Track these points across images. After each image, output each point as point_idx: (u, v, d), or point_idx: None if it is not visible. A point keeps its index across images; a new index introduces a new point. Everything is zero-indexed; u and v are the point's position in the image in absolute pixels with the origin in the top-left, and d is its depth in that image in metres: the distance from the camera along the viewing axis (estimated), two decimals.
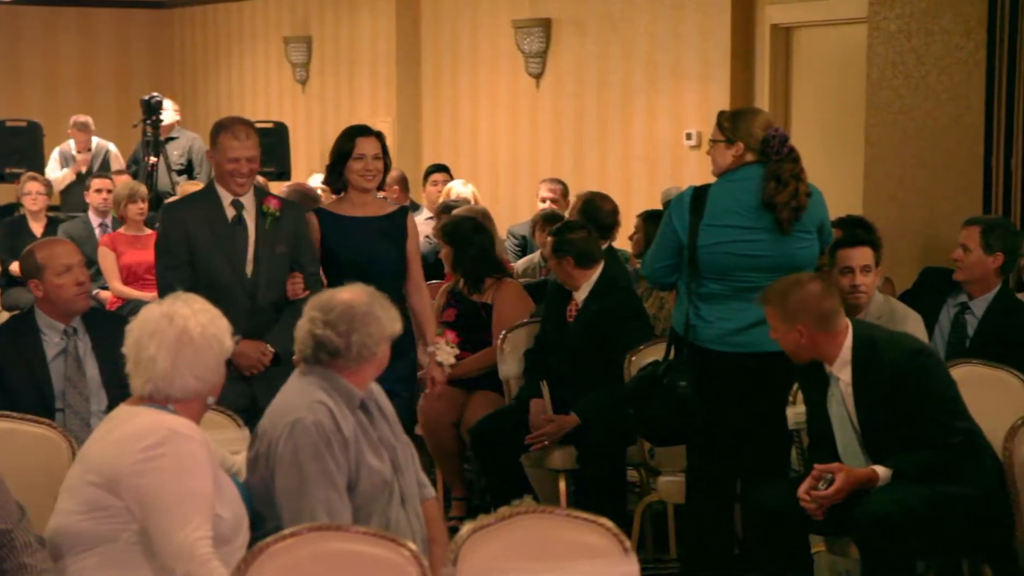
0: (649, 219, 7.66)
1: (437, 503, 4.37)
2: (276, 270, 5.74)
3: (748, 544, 5.57)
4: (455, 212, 8.12)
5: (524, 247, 9.27)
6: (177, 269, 5.67)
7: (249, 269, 5.71)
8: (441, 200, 9.60)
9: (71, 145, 12.19)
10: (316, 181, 10.49)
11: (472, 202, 9.22)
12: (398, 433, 4.31)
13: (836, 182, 8.19)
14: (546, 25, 11.52)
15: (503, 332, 6.88)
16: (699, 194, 5.45)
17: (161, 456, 3.69)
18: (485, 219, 7.66)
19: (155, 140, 11.45)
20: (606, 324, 6.44)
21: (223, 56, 15.97)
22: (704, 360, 5.42)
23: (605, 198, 7.89)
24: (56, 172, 11.99)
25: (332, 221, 6.03)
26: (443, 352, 6.11)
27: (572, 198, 8.90)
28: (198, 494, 3.68)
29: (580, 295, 6.63)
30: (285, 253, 5.75)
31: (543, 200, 9.38)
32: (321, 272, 6.00)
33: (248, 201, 5.78)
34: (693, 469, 5.63)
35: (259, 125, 13.17)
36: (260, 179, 10.66)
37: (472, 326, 7.07)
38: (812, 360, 5.05)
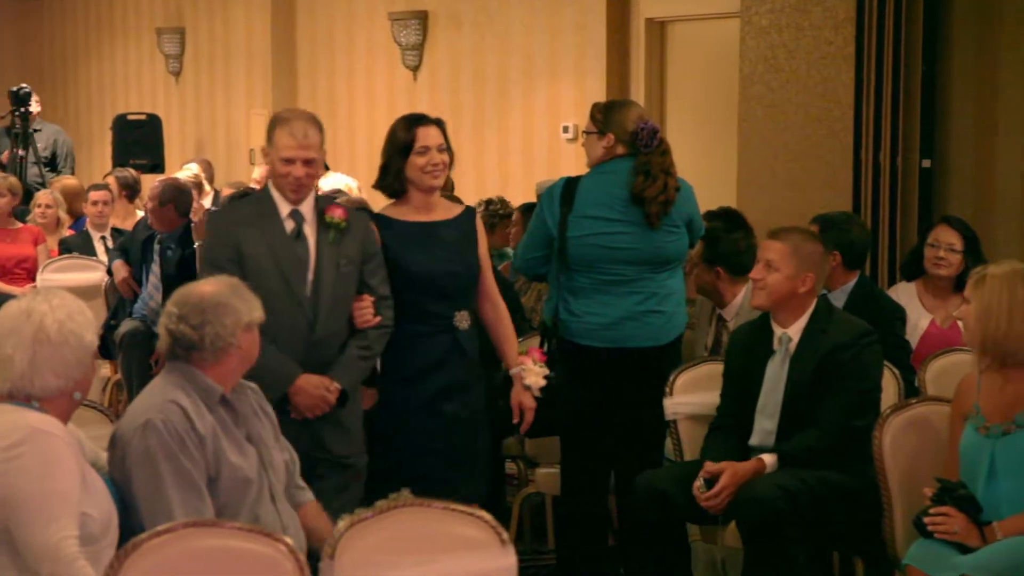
0: (527, 212, 7.66)
1: (317, 503, 4.32)
2: (341, 292, 4.85)
3: (624, 533, 5.62)
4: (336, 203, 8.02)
5: None
6: None
7: (309, 292, 4.81)
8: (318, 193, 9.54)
9: None
10: (189, 172, 10.39)
11: (347, 194, 9.16)
12: (277, 436, 4.24)
13: (710, 174, 8.29)
14: (422, 18, 11.50)
15: None
16: (570, 185, 5.49)
17: (22, 455, 3.61)
18: (363, 205, 7.59)
19: (24, 132, 11.23)
20: None
21: (94, 46, 15.70)
22: (575, 354, 5.45)
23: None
24: None
25: (396, 229, 5.06)
26: (531, 374, 5.18)
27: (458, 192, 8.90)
28: (62, 493, 3.60)
29: None
30: (351, 272, 4.87)
31: None
32: None
33: (308, 210, 4.87)
34: (568, 461, 5.67)
35: (131, 117, 13.18)
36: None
37: None
38: (763, 319, 5.17)
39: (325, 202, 4.94)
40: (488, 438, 5.28)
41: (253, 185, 10.18)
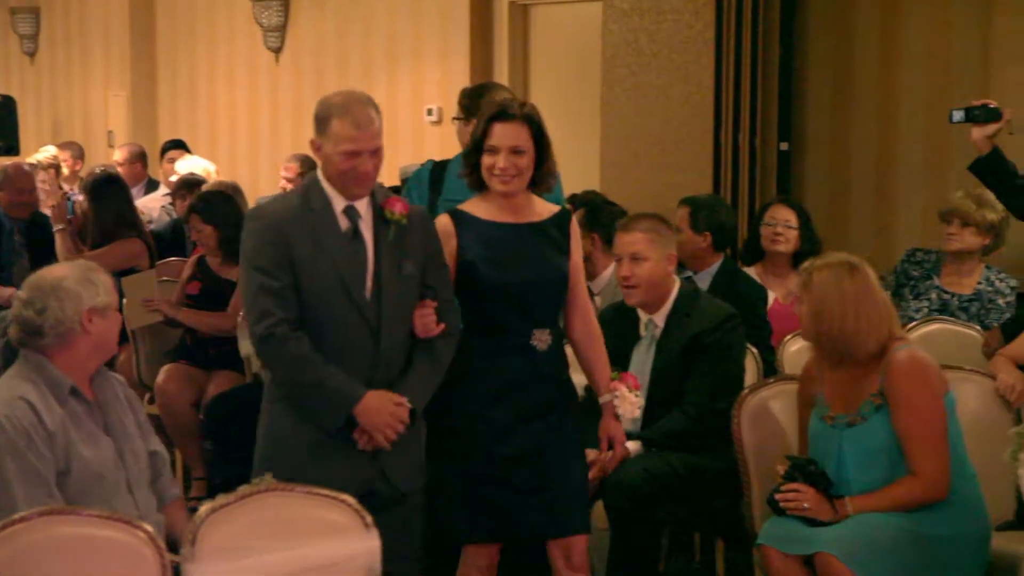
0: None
1: (183, 502, 4.27)
2: (404, 298, 4.21)
3: None
4: (205, 188, 7.92)
5: None
6: (278, 294, 4.09)
7: (369, 297, 4.17)
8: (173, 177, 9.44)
9: None
10: (46, 155, 10.19)
11: (206, 179, 9.06)
12: (145, 432, 4.18)
13: (574, 158, 8.33)
14: None
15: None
16: (438, 169, 5.48)
17: None
18: (236, 194, 7.53)
19: None
20: None
21: None
22: None
23: None
24: None
25: (474, 229, 4.45)
26: (625, 402, 4.58)
27: None
28: None
29: None
30: (413, 275, 4.23)
31: (286, 180, 9.30)
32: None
33: (364, 206, 4.22)
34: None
35: None
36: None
37: (216, 300, 6.94)
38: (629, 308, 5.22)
39: (382, 195, 4.26)
40: (579, 471, 4.55)
41: (117, 169, 10.06)
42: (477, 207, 4.48)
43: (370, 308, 4.14)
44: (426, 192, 5.45)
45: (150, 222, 8.81)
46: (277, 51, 11.59)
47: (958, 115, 5.60)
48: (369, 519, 3.71)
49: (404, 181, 5.81)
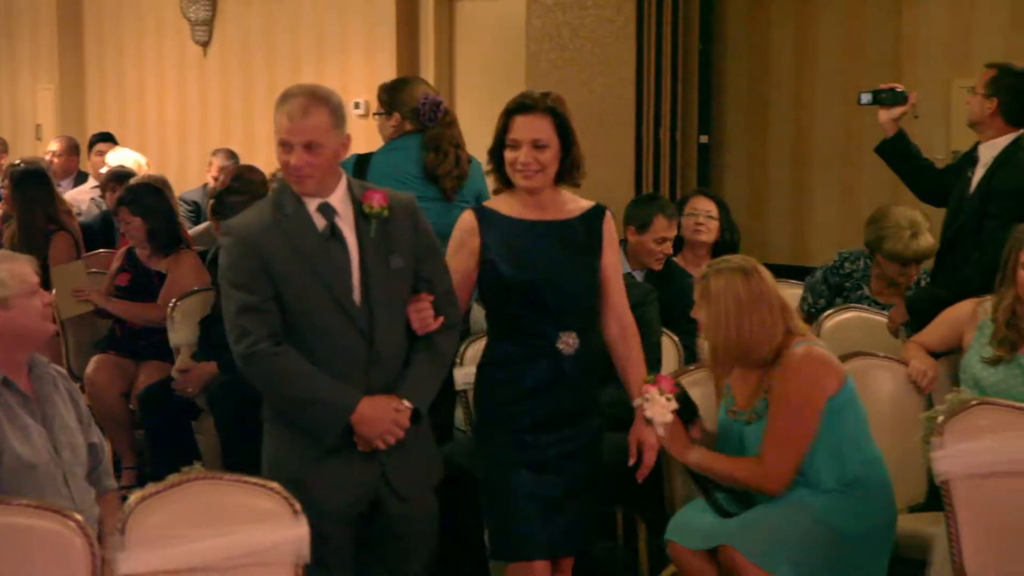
0: None
1: (118, 495, 4.23)
2: (396, 295, 3.95)
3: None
4: (133, 181, 7.86)
5: (197, 213, 9.10)
6: (259, 312, 3.84)
7: (357, 299, 3.89)
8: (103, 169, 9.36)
9: None
10: None
11: (136, 172, 8.99)
12: (86, 424, 4.14)
13: None
14: None
15: (173, 300, 6.73)
16: (361, 162, 5.49)
17: None
18: (165, 186, 7.49)
19: None
20: None
21: None
22: None
23: (254, 170, 7.76)
24: None
25: (499, 226, 4.17)
26: (656, 407, 4.22)
27: None
28: None
29: None
30: (403, 268, 3.95)
31: (213, 176, 9.26)
32: (470, 297, 4.31)
33: (341, 202, 3.94)
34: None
35: None
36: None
37: (144, 292, 6.91)
38: None
39: (360, 189, 3.97)
40: (598, 477, 4.33)
41: (49, 158, 9.99)
42: (502, 203, 4.20)
43: (358, 310, 3.87)
44: None
45: (79, 214, 8.74)
46: (205, 45, 11.51)
47: (866, 98, 5.74)
48: (298, 507, 3.69)
49: None
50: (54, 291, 6.70)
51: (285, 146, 3.85)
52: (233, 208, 6.41)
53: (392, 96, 5.55)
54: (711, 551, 4.30)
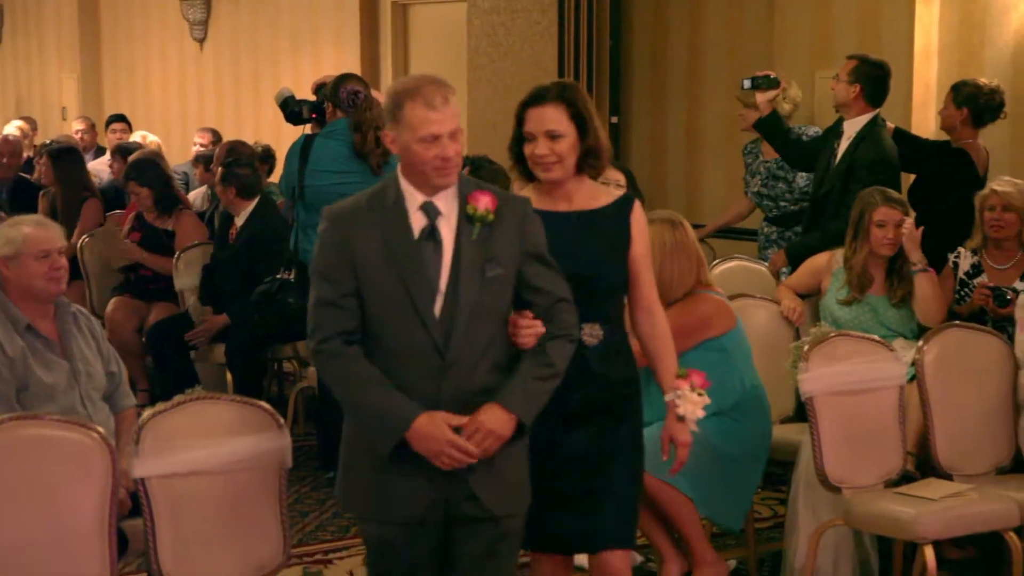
0: None
1: (134, 412, 4.15)
2: (487, 305, 3.05)
3: None
4: (131, 157, 7.75)
5: (187, 182, 9.01)
6: (335, 307, 3.03)
7: (439, 306, 3.02)
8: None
9: None
10: (14, 128, 9.88)
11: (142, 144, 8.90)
12: (106, 356, 4.12)
13: None
14: None
15: (177, 252, 6.71)
16: (307, 144, 5.55)
17: None
18: (159, 157, 7.41)
19: None
20: (257, 245, 6.29)
21: None
22: None
23: (244, 144, 7.66)
24: None
25: None
26: (687, 402, 3.39)
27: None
28: None
29: (239, 220, 6.47)
30: (502, 278, 3.06)
31: (197, 145, 9.22)
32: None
33: (446, 201, 3.07)
34: None
35: None
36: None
37: (156, 248, 6.88)
38: None
39: (468, 187, 3.09)
40: (627, 481, 3.46)
41: (79, 136, 9.92)
42: (529, 197, 3.32)
43: (433, 319, 3.00)
44: (296, 162, 5.52)
45: (100, 182, 8.64)
46: (201, 41, 11.36)
47: (747, 83, 5.81)
48: (282, 421, 3.63)
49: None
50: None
51: (434, 139, 3.00)
52: (239, 177, 6.37)
53: (329, 91, 5.64)
54: None
